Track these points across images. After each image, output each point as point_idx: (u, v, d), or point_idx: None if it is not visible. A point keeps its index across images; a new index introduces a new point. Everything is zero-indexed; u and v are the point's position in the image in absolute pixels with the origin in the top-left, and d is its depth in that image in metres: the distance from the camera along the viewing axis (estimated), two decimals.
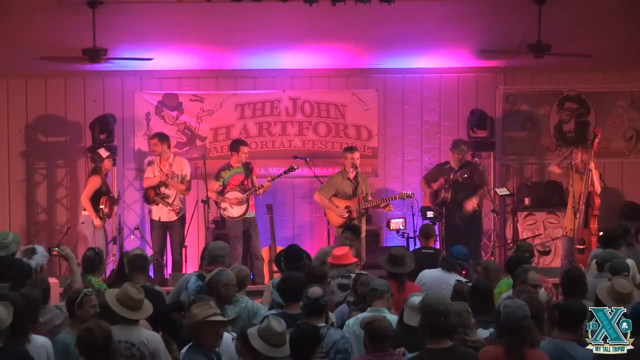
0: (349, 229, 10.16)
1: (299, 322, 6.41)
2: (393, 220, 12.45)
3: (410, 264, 8.41)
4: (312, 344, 5.98)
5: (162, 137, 12.27)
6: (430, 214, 12.22)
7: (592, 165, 11.80)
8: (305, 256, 8.32)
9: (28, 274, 7.49)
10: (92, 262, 8.17)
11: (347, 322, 7.09)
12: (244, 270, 8.08)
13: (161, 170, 12.14)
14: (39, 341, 6.29)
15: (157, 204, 12.12)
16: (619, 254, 8.62)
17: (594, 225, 11.76)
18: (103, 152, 12.03)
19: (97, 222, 11.80)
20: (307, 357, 5.95)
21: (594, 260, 8.75)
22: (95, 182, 11.90)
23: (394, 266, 8.21)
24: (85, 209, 11.97)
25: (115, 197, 12.23)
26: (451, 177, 12.23)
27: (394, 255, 8.29)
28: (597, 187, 11.87)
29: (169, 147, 12.34)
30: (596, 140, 11.96)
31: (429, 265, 9.06)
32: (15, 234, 8.26)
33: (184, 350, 6.29)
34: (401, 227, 12.41)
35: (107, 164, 12.02)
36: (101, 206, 11.83)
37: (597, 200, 11.80)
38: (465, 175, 12.13)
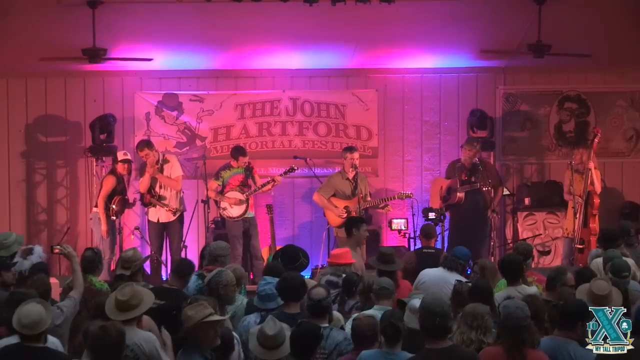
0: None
1: (300, 320, 6.42)
2: (395, 221, 12.48)
3: (400, 262, 8.52)
4: (312, 344, 6.00)
5: (149, 144, 12.01)
6: (431, 214, 12.21)
7: (591, 164, 11.80)
8: (303, 255, 8.33)
9: None
10: (92, 262, 8.17)
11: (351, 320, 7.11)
12: (239, 270, 8.08)
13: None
14: (50, 340, 6.27)
15: (154, 206, 12.00)
16: (620, 254, 8.60)
17: (593, 224, 11.76)
18: (120, 155, 12.04)
19: (104, 227, 11.79)
20: (306, 356, 5.97)
21: (594, 260, 8.74)
22: (109, 183, 11.91)
23: (384, 264, 8.27)
24: (96, 206, 11.97)
25: (130, 201, 12.21)
26: (473, 179, 12.14)
27: (383, 253, 8.38)
28: (597, 187, 11.87)
29: (154, 149, 12.14)
30: (595, 140, 11.97)
31: (430, 265, 9.06)
32: (18, 234, 8.25)
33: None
34: (403, 228, 12.44)
35: (119, 167, 12.01)
36: (112, 205, 11.82)
37: (597, 200, 11.80)
38: (487, 187, 12.02)
